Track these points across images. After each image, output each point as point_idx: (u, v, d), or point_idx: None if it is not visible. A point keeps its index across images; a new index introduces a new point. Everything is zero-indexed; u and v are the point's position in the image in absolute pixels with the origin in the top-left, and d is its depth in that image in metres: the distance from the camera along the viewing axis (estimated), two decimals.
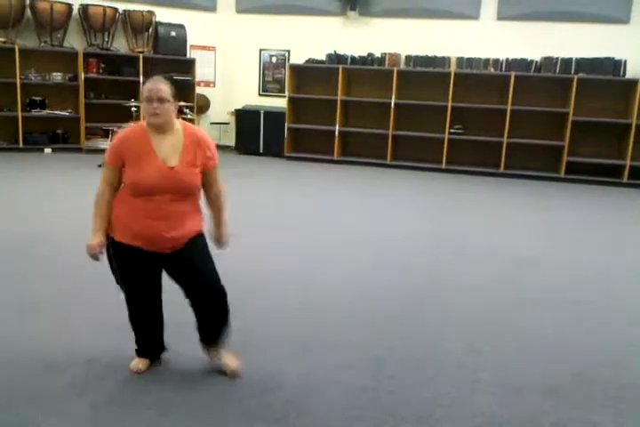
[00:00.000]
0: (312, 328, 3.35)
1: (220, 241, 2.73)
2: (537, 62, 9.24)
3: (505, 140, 9.28)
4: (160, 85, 2.42)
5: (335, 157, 10.05)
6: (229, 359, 2.75)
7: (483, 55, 9.40)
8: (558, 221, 6.54)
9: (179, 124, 2.54)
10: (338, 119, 9.95)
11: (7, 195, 6.47)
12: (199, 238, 2.62)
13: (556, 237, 5.78)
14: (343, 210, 6.59)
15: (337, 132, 9.99)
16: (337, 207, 6.68)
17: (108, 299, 3.58)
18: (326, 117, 10.04)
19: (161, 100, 2.40)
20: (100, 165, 8.43)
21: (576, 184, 8.97)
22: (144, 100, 2.43)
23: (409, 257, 4.86)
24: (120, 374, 2.71)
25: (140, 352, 2.79)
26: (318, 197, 7.31)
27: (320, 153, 10.17)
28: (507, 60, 9.31)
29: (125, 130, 2.57)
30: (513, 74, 9.10)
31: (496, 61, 9.35)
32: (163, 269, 2.65)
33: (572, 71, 9.02)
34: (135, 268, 2.59)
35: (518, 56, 9.26)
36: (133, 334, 2.78)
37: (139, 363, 2.76)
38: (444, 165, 9.58)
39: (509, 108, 9.17)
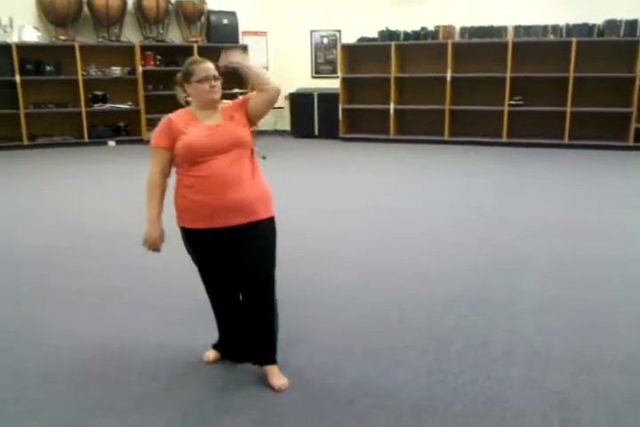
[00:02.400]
0: (373, 310, 3.36)
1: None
2: (599, 26, 8.83)
3: (568, 109, 8.94)
4: (210, 65, 2.56)
5: (391, 136, 9.95)
6: (274, 377, 2.58)
7: (541, 22, 9.04)
8: (629, 193, 6.29)
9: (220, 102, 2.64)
10: (392, 97, 9.83)
11: (77, 188, 6.74)
12: (268, 222, 2.55)
13: (629, 209, 5.56)
14: (402, 190, 6.54)
15: (392, 111, 9.87)
16: (396, 188, 6.64)
17: (177, 286, 3.72)
18: (380, 96, 9.93)
19: (216, 77, 2.54)
20: None
21: None
22: (200, 79, 2.49)
23: (474, 235, 4.78)
24: (190, 359, 2.81)
25: (216, 345, 2.80)
26: (376, 177, 7.27)
27: (376, 132, 10.09)
28: (567, 25, 8.94)
29: (169, 115, 2.57)
30: (574, 40, 8.73)
31: (555, 27, 8.98)
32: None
33: (638, 33, 8.57)
34: (208, 252, 2.56)
35: (579, 21, 8.87)
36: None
37: (210, 353, 2.80)
38: (504, 139, 9.34)
39: (572, 75, 8.82)
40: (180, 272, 3.99)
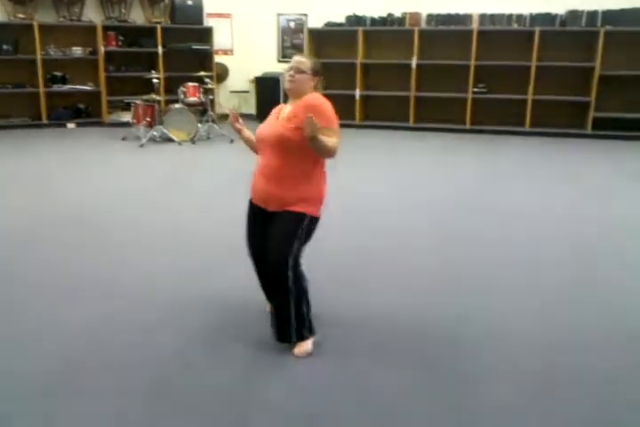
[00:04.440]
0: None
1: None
2: (562, 16, 9.00)
3: (530, 97, 9.13)
4: (302, 59, 2.79)
5: (357, 122, 9.98)
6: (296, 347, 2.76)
7: (506, 11, 9.17)
8: (588, 178, 6.49)
9: (310, 95, 2.78)
10: (358, 83, 9.85)
11: (43, 171, 6.58)
12: (297, 214, 2.67)
13: (591, 195, 5.75)
14: (365, 177, 6.59)
15: (358, 97, 9.90)
16: (359, 175, 6.68)
17: None
18: (347, 82, 9.92)
19: (298, 70, 2.74)
20: (123, 138, 8.51)
21: (603, 140, 8.84)
22: (288, 68, 2.77)
23: (441, 222, 4.87)
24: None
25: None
26: (341, 163, 7.30)
27: (341, 118, 10.03)
28: (530, 14, 9.07)
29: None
30: (537, 29, 8.89)
31: (519, 17, 9.12)
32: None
33: (599, 24, 8.77)
34: (250, 220, 2.85)
35: (542, 10, 9.02)
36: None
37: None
38: (468, 126, 9.48)
39: (534, 64, 8.99)
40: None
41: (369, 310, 3.19)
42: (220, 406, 2.33)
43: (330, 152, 2.64)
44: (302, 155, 2.66)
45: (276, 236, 2.67)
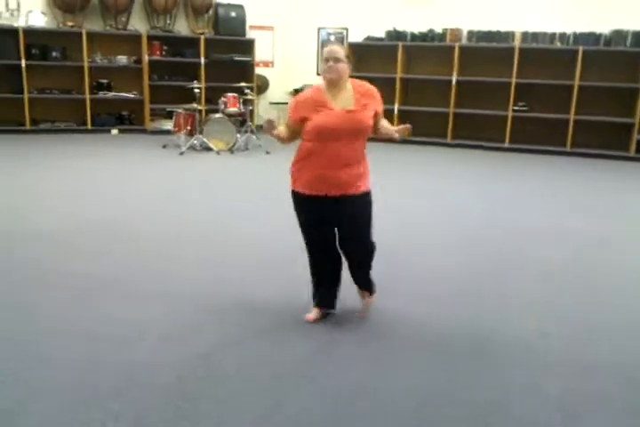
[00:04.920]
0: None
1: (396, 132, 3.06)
2: (606, 36, 8.86)
3: (572, 117, 8.99)
4: (336, 48, 2.88)
5: None
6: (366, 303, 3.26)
7: (549, 29, 9.08)
8: (630, 202, 6.34)
9: (349, 82, 2.95)
10: (397, 98, 9.85)
11: (77, 174, 6.75)
12: (367, 195, 3.00)
13: (628, 219, 5.62)
14: (400, 192, 6.56)
15: (396, 111, 9.89)
16: (395, 189, 6.66)
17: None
18: (385, 96, 9.78)
19: (336, 59, 2.83)
20: (164, 146, 8.67)
21: None
22: (323, 60, 2.87)
23: (472, 237, 4.82)
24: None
25: (317, 302, 3.18)
26: (377, 178, 7.29)
27: None
28: (574, 33, 8.96)
29: (304, 91, 3.01)
30: (580, 48, 8.77)
31: (563, 35, 9.01)
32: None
33: None
34: (313, 215, 2.98)
35: (586, 29, 8.90)
36: (312, 286, 3.18)
37: (313, 313, 3.17)
38: (507, 144, 9.38)
39: (577, 84, 8.85)
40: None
41: (395, 316, 3.18)
42: (248, 412, 2.34)
43: None
44: (365, 136, 2.95)
45: (359, 221, 2.98)
